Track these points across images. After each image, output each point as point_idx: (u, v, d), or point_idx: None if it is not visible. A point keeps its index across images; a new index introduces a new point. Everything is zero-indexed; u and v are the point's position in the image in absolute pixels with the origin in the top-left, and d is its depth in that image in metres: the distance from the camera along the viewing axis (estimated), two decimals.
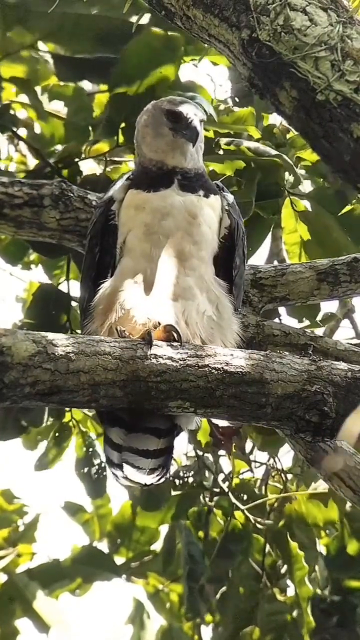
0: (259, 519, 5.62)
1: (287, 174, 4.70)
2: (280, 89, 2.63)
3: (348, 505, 5.57)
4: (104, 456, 5.32)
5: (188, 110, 3.03)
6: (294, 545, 5.41)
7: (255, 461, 5.95)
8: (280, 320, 4.84)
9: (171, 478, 5.88)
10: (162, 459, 2.80)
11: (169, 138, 3.04)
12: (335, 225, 4.76)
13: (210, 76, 5.43)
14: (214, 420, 4.52)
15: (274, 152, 4.61)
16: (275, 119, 5.13)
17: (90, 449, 5.49)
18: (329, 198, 4.79)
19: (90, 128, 5.10)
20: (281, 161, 4.56)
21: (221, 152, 4.62)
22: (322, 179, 5.02)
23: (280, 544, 5.52)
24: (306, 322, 5.05)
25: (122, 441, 2.80)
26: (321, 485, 5.49)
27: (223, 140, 4.62)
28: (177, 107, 3.05)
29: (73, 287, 5.21)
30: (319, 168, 4.93)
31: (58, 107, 5.32)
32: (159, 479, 2.77)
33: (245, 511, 5.61)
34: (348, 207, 4.75)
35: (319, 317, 5.06)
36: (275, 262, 5.49)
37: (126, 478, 2.75)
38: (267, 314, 4.14)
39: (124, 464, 2.76)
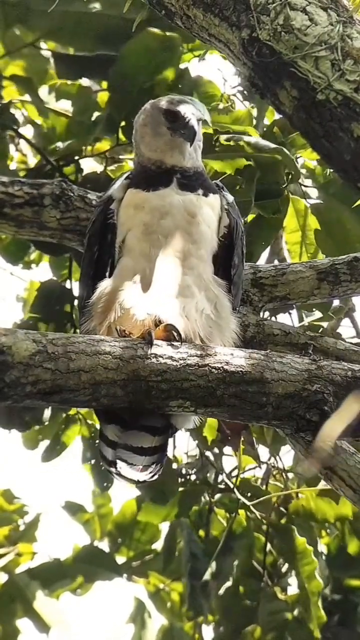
0: (264, 515, 5.61)
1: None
2: (281, 89, 2.63)
3: None
4: None
5: (186, 109, 3.04)
6: (301, 540, 5.39)
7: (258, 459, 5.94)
8: (290, 313, 4.86)
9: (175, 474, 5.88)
10: (156, 456, 2.81)
11: (167, 137, 3.05)
12: (350, 216, 4.74)
13: (220, 70, 5.41)
14: None
15: (273, 145, 4.61)
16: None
17: (97, 441, 5.49)
18: (342, 189, 4.77)
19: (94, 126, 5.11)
20: (281, 155, 4.56)
21: (221, 148, 4.61)
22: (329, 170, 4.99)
23: (285, 541, 5.51)
24: (308, 319, 5.04)
25: (117, 438, 2.81)
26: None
27: (223, 137, 4.62)
28: (175, 106, 3.06)
29: (76, 285, 5.21)
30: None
31: (62, 105, 5.32)
32: (152, 476, 2.78)
33: (252, 507, 5.61)
34: None
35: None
36: (276, 262, 5.49)
37: (119, 474, 2.76)
38: (276, 310, 4.14)
39: (118, 461, 2.76)
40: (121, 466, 2.76)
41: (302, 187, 4.87)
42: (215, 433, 5.57)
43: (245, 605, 5.67)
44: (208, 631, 6.20)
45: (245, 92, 5.46)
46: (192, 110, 3.04)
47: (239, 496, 5.63)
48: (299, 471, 5.73)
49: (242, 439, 5.59)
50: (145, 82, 4.74)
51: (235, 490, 5.67)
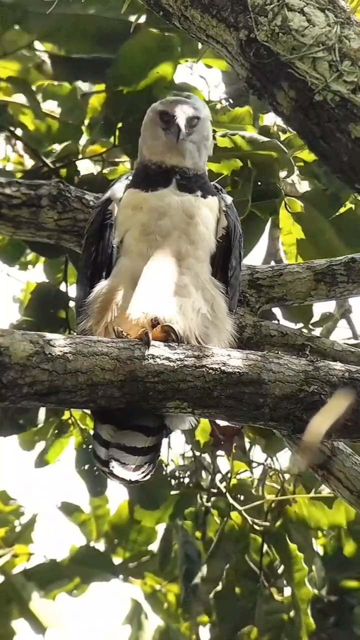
0: (256, 520, 5.61)
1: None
2: (278, 90, 2.63)
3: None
4: None
5: (175, 108, 3.05)
6: (293, 546, 5.40)
7: (252, 461, 5.94)
8: (278, 322, 4.85)
9: (169, 478, 5.87)
10: (149, 456, 2.80)
11: (163, 139, 3.06)
12: (329, 227, 4.76)
13: (204, 78, 5.43)
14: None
15: (266, 139, 4.61)
16: (270, 120, 5.14)
17: (90, 446, 5.48)
18: (323, 200, 4.80)
19: (82, 127, 5.10)
20: (275, 151, 4.56)
21: (217, 148, 4.61)
22: (315, 180, 5.03)
23: (278, 545, 5.51)
24: (301, 325, 5.06)
25: (110, 438, 2.80)
26: (326, 489, 5.46)
27: (218, 133, 4.62)
28: (167, 106, 3.09)
29: (72, 287, 5.20)
30: (313, 169, 4.94)
31: (52, 107, 5.32)
32: (144, 476, 2.77)
33: (243, 512, 5.60)
34: (342, 210, 4.76)
35: (313, 320, 5.08)
36: (273, 263, 5.49)
37: (112, 474, 2.75)
38: (263, 317, 4.13)
39: (111, 460, 2.76)
40: (114, 465, 2.75)
41: (288, 197, 4.88)
42: (208, 437, 5.57)
43: (242, 606, 5.67)
44: (205, 632, 6.20)
45: (230, 100, 5.47)
46: (182, 109, 3.05)
47: (231, 500, 5.62)
48: (291, 468, 5.72)
49: (235, 443, 5.59)
50: (143, 83, 4.73)
51: (227, 494, 5.66)
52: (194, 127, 3.09)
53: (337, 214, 4.77)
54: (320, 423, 2.71)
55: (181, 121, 3.02)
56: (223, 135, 4.59)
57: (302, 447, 2.97)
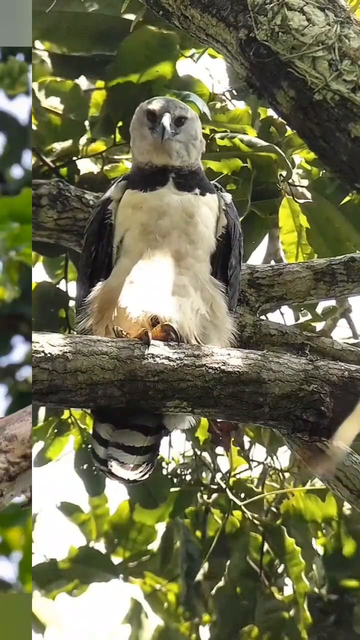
0: (256, 516, 5.62)
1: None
2: (278, 89, 2.63)
3: (346, 507, 5.57)
4: None
5: (160, 107, 3.05)
6: (290, 541, 5.41)
7: (252, 460, 5.94)
8: (281, 313, 4.87)
9: (169, 476, 5.87)
10: (148, 456, 2.80)
11: (149, 138, 3.06)
12: (337, 214, 4.76)
13: (208, 70, 5.41)
14: None
15: (265, 143, 4.62)
16: (273, 113, 5.11)
17: (89, 446, 5.48)
18: (330, 188, 4.79)
19: (86, 125, 5.09)
20: (273, 153, 4.56)
21: (217, 148, 4.61)
22: (323, 170, 5.01)
23: (277, 541, 5.52)
24: (304, 318, 5.05)
25: (109, 437, 2.80)
26: (319, 482, 5.48)
27: (217, 135, 4.62)
28: (153, 106, 3.08)
29: (72, 286, 5.20)
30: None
31: (54, 103, 5.30)
32: (142, 475, 2.77)
33: (243, 507, 5.61)
34: (349, 197, 4.74)
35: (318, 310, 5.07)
36: (272, 262, 5.49)
37: (110, 473, 2.75)
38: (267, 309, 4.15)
39: (109, 459, 2.76)
40: (112, 465, 2.75)
41: (297, 187, 4.88)
42: (207, 434, 5.58)
43: (242, 605, 5.67)
44: (205, 631, 6.20)
45: (234, 92, 5.46)
46: (168, 109, 3.04)
47: (232, 497, 5.63)
48: (303, 472, 5.72)
49: (232, 439, 5.59)
50: (143, 81, 4.73)
51: (227, 490, 5.66)
52: (180, 126, 3.07)
53: (345, 200, 4.76)
54: (349, 429, 2.71)
55: (166, 120, 3.01)
56: (222, 138, 4.59)
57: (330, 453, 2.98)
